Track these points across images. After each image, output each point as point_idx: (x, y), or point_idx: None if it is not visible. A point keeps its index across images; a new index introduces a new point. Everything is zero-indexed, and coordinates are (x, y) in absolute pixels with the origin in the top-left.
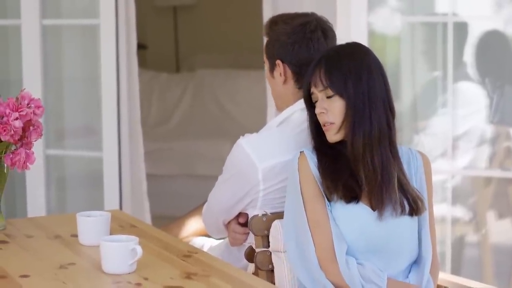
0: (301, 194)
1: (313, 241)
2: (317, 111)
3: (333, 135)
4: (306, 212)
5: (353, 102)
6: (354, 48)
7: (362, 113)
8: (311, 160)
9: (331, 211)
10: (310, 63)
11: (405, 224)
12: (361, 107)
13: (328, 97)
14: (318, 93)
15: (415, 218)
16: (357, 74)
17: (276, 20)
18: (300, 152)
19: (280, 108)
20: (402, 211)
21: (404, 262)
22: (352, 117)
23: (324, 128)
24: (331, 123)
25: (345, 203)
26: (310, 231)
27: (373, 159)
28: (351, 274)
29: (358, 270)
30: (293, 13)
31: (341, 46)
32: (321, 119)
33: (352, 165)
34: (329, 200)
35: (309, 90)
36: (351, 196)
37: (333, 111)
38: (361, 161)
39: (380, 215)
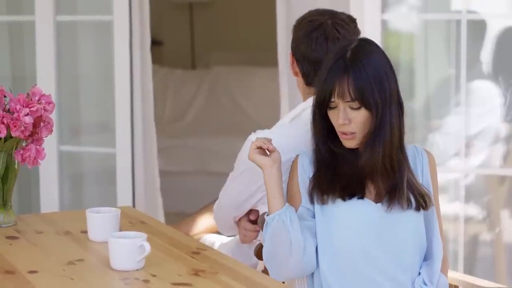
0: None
1: None
2: (340, 121)
3: (352, 142)
4: None
5: (380, 112)
6: (368, 49)
7: (384, 121)
8: (302, 162)
9: (322, 213)
10: (311, 61)
11: (410, 217)
12: (384, 116)
13: (354, 108)
14: (342, 104)
15: (421, 213)
16: (381, 83)
17: (302, 15)
18: (298, 154)
19: (303, 101)
20: (408, 206)
21: (409, 256)
22: (374, 126)
23: (344, 137)
24: (353, 133)
25: (342, 201)
26: None
27: (392, 162)
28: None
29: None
30: (317, 10)
31: (357, 49)
32: (343, 129)
33: (364, 169)
34: (322, 203)
35: (327, 97)
36: (349, 193)
37: (357, 122)
38: (378, 166)
39: (386, 209)
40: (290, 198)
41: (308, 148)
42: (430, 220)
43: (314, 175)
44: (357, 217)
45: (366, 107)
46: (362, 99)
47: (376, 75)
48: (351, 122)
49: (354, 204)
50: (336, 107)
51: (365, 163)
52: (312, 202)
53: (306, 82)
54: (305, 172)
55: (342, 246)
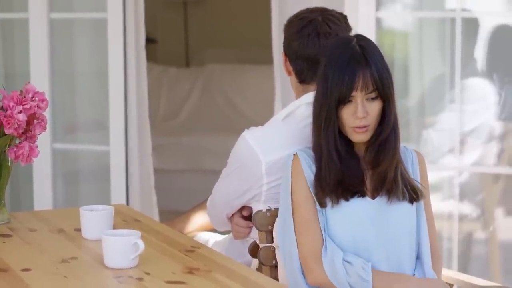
0: (291, 197)
1: (300, 242)
2: (359, 115)
3: (365, 136)
4: (294, 215)
5: (391, 102)
6: (371, 42)
7: (390, 112)
8: (305, 162)
9: (325, 215)
10: (304, 58)
11: (404, 209)
12: (395, 106)
13: (372, 99)
14: (360, 97)
15: (414, 206)
16: (389, 72)
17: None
18: (294, 154)
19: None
20: (404, 197)
21: (405, 249)
22: (382, 117)
23: (358, 130)
24: (366, 126)
25: (345, 201)
26: (297, 234)
27: (394, 155)
28: (336, 273)
29: (345, 267)
30: (308, 8)
31: (362, 42)
32: (359, 123)
33: (368, 164)
34: (322, 206)
35: (348, 92)
36: (352, 193)
37: (372, 113)
38: (396, 156)
39: (387, 202)
40: (301, 201)
41: (304, 147)
42: (419, 215)
43: (315, 178)
44: (360, 216)
45: (382, 97)
46: (383, 89)
47: (386, 65)
48: (368, 114)
49: (355, 203)
50: (351, 101)
51: (367, 153)
52: (321, 205)
53: (300, 80)
54: (312, 172)
55: (345, 248)
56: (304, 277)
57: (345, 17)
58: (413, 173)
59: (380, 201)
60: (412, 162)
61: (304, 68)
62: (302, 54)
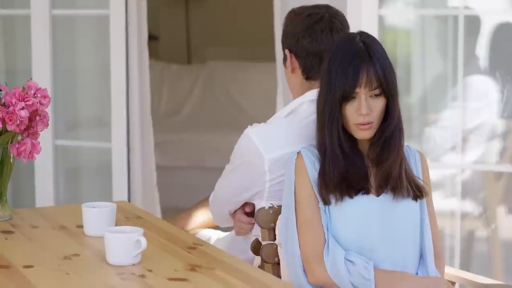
0: (294, 195)
1: (302, 241)
2: (363, 111)
3: (369, 132)
4: (297, 213)
5: (395, 99)
6: (374, 39)
7: (394, 109)
8: (308, 160)
9: (329, 213)
10: (316, 54)
11: (408, 206)
12: (396, 103)
13: (375, 96)
14: (364, 93)
15: (417, 204)
16: (393, 69)
17: (291, 11)
18: (298, 152)
19: (294, 99)
20: (408, 194)
21: (409, 246)
22: (386, 115)
23: (362, 127)
24: (370, 123)
25: (350, 198)
26: (299, 232)
27: (399, 152)
28: (338, 273)
29: (347, 266)
30: (309, 5)
31: (366, 39)
32: (362, 119)
33: (372, 161)
34: (326, 203)
35: (352, 89)
36: (357, 190)
37: (376, 110)
38: (400, 154)
39: (392, 199)
40: (305, 200)
41: (308, 145)
42: (422, 213)
43: (319, 175)
44: (364, 213)
45: (386, 94)
46: (387, 85)
47: (390, 62)
48: (372, 111)
49: (359, 200)
50: (354, 98)
51: (371, 150)
52: (325, 202)
53: (307, 76)
54: (313, 165)
55: (349, 245)
56: (306, 275)
57: (343, 14)
58: (416, 172)
59: (385, 198)
60: (415, 161)
61: (314, 64)
62: (313, 50)
